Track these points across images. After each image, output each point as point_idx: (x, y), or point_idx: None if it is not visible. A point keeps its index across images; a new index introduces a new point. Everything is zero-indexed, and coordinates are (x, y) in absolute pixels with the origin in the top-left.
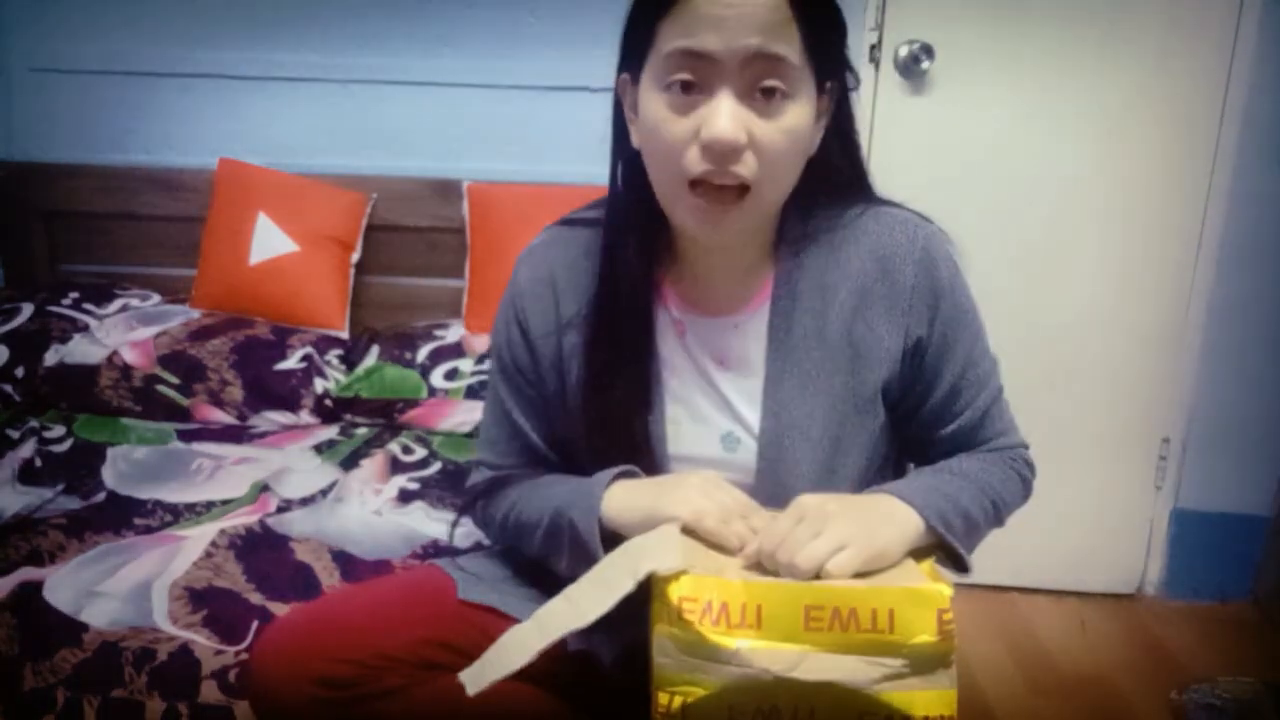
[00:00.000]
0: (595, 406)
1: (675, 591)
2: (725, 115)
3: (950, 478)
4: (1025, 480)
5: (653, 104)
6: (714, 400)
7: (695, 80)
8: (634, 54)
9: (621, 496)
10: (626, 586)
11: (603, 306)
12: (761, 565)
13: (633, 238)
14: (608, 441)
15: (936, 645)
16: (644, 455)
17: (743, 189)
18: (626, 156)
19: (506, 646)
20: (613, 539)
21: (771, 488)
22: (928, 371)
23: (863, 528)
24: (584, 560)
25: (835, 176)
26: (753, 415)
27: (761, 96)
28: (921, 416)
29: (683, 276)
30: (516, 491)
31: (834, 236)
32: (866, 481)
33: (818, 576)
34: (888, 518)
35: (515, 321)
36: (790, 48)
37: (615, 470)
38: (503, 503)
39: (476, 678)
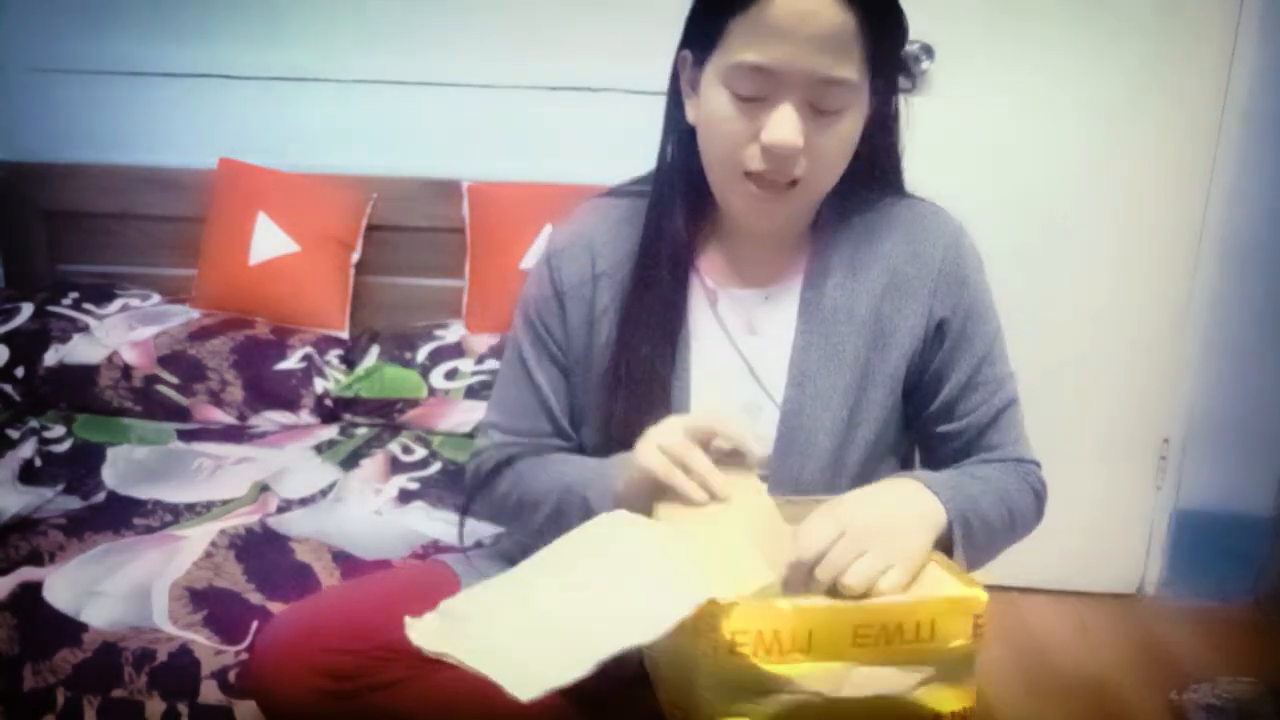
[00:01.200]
0: (622, 366)
1: (728, 626)
2: (788, 124)
3: (972, 480)
4: (1038, 496)
5: (716, 98)
6: (740, 368)
7: (759, 93)
8: (700, 39)
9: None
10: (682, 613)
11: (642, 267)
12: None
13: (680, 208)
14: (630, 404)
15: (969, 647)
16: (665, 414)
17: (794, 180)
18: (679, 130)
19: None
20: None
21: (788, 456)
22: (945, 358)
23: (903, 542)
24: None
25: (874, 165)
26: (777, 384)
27: (821, 108)
28: (934, 410)
29: (720, 249)
30: (524, 465)
31: (868, 220)
32: (874, 458)
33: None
34: (918, 517)
35: (549, 279)
36: (852, 68)
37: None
38: (505, 477)
39: (435, 641)
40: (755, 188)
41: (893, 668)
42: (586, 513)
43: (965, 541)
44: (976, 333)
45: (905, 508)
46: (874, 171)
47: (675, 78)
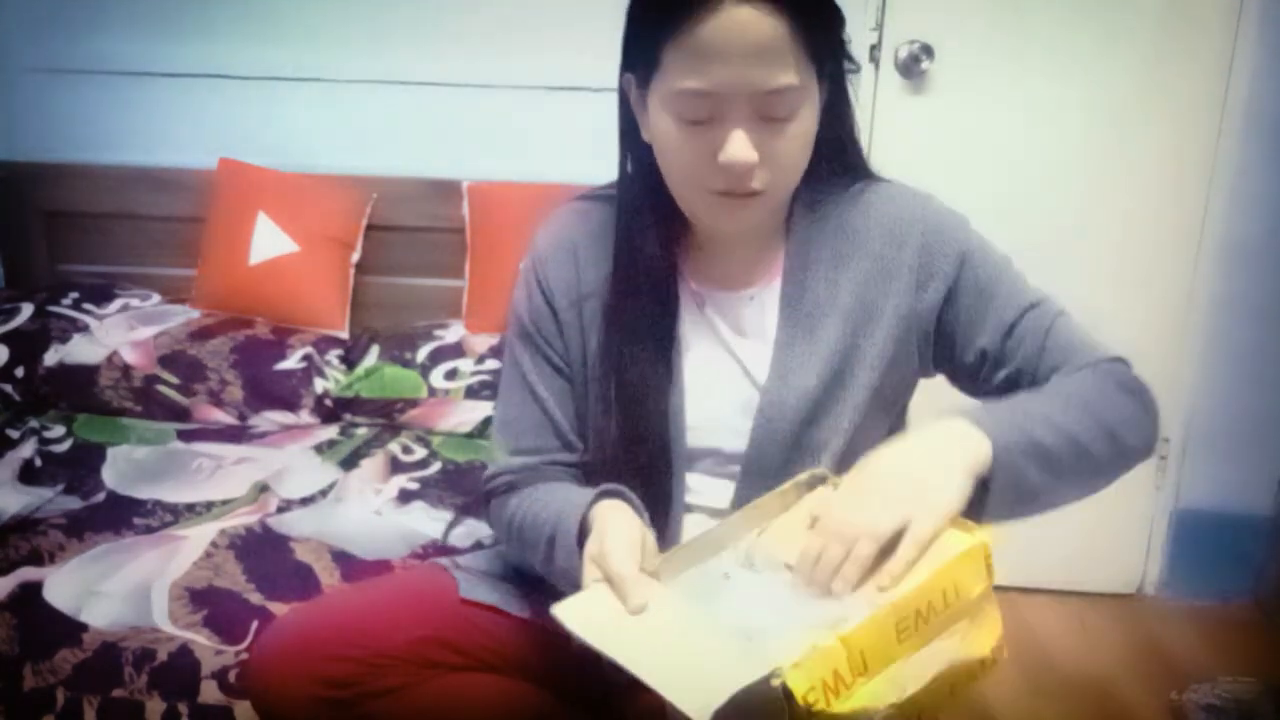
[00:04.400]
0: (615, 378)
1: (799, 691)
2: (740, 142)
3: (1028, 401)
4: (1132, 391)
5: (665, 124)
6: (732, 369)
7: (706, 115)
8: (639, 64)
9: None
10: (757, 674)
11: (622, 282)
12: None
13: (648, 221)
14: (626, 414)
15: (987, 587)
16: (662, 426)
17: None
18: (635, 147)
19: (606, 623)
20: None
21: (764, 447)
22: (969, 317)
23: (920, 501)
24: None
25: (836, 153)
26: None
27: (771, 117)
28: (987, 369)
29: (700, 254)
30: (518, 499)
31: (841, 210)
32: (858, 443)
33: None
34: (944, 468)
35: (538, 286)
36: (793, 72)
37: (595, 493)
38: (509, 507)
39: (572, 614)
40: (720, 199)
41: (936, 642)
42: (568, 581)
43: (1029, 464)
44: (987, 278)
45: (930, 459)
46: (837, 158)
47: (624, 97)
